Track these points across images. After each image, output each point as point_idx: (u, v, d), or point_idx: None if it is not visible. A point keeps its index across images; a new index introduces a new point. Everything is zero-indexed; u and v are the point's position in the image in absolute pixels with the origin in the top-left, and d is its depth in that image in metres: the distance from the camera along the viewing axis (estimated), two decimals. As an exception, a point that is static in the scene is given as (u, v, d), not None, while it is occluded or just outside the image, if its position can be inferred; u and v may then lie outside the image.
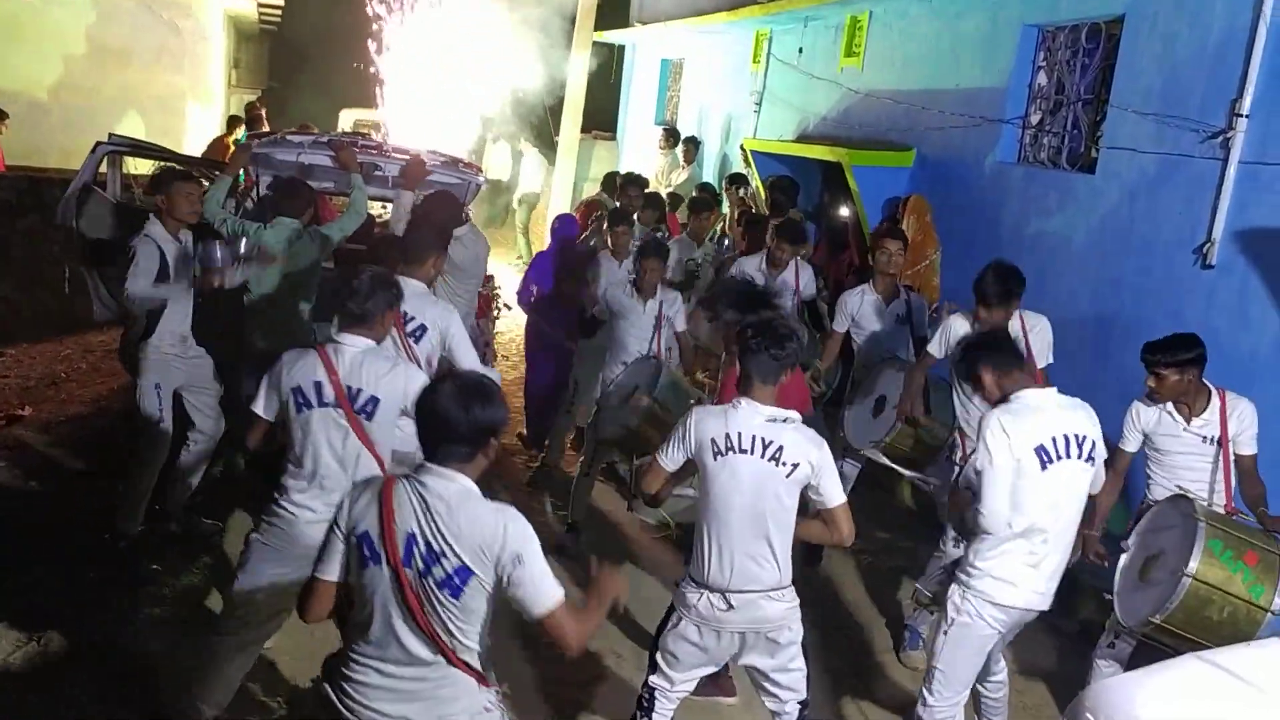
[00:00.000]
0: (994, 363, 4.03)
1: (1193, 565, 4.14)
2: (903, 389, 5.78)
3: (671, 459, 3.85)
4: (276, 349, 5.96)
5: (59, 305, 10.03)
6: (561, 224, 8.23)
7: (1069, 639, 5.52)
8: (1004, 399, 3.99)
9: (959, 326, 5.55)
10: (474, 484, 2.89)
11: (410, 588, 2.81)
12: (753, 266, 7.10)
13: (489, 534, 2.79)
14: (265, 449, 4.17)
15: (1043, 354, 5.64)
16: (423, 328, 4.92)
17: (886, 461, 5.96)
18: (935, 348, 5.66)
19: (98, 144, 6.89)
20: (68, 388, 8.30)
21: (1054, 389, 4.05)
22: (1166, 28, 6.41)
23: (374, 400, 3.92)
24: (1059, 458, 3.88)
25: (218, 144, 13.04)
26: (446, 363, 5.01)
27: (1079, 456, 3.92)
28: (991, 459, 3.84)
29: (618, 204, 8.56)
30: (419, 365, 4.82)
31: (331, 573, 2.95)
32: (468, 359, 5.01)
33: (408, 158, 6.74)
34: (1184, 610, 4.16)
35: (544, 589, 2.83)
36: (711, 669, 4.07)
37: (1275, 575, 4.23)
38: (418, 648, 2.87)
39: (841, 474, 6.24)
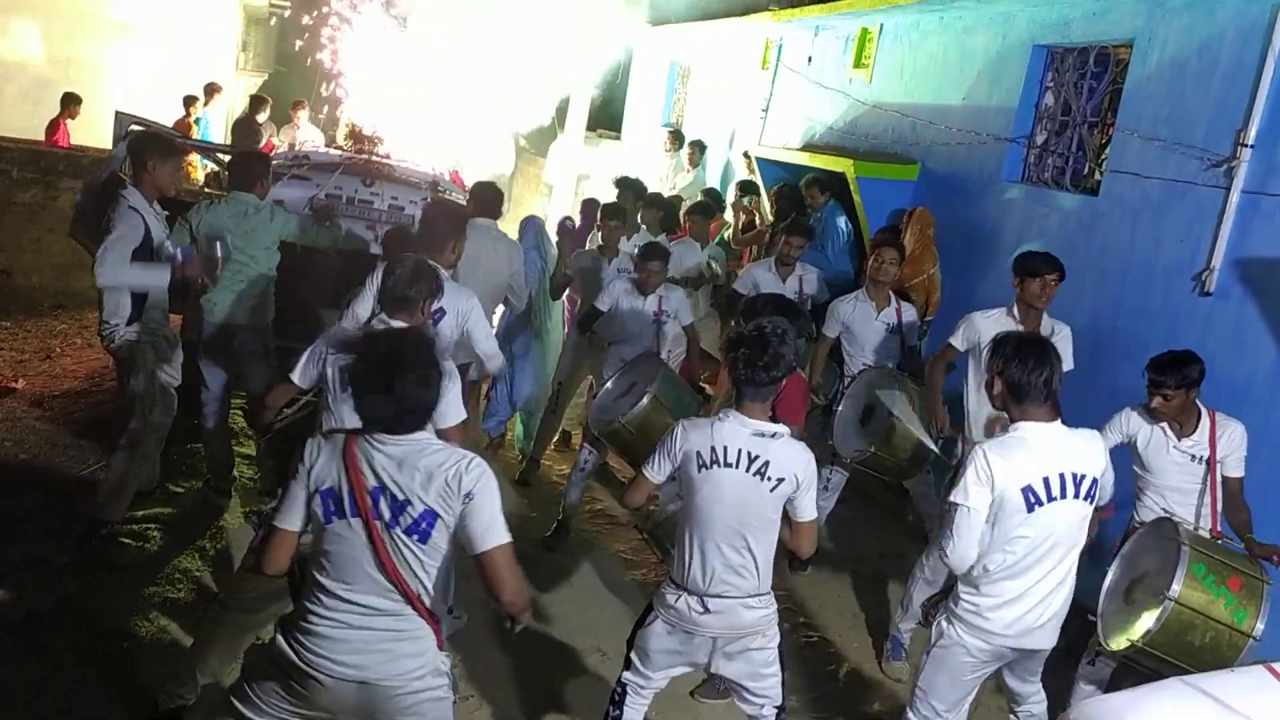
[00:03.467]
0: (1017, 385, 3.71)
1: (1175, 588, 4.15)
2: (926, 389, 5.82)
3: (658, 471, 3.83)
4: (235, 321, 6.02)
5: (55, 279, 10.06)
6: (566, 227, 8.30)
7: (1053, 657, 5.52)
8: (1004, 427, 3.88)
9: (982, 322, 5.59)
10: (429, 433, 3.00)
11: (380, 538, 2.92)
12: (763, 270, 7.14)
13: (449, 473, 2.91)
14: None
15: (1063, 359, 5.67)
16: (442, 311, 4.99)
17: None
18: (958, 340, 5.68)
19: (118, 113, 6.88)
20: (61, 362, 8.29)
21: (1058, 422, 3.77)
22: (1175, 55, 6.44)
23: None
24: (1050, 499, 3.68)
25: (180, 123, 13.00)
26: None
27: (1076, 495, 3.72)
28: (968, 497, 3.67)
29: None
30: None
31: (293, 523, 3.02)
32: (484, 343, 5.25)
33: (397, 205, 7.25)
34: (1166, 634, 4.17)
35: (492, 528, 2.94)
36: (683, 670, 4.06)
37: (1258, 600, 4.25)
38: (384, 600, 2.96)
39: (829, 483, 6.36)
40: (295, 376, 4.16)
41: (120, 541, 5.46)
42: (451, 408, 3.94)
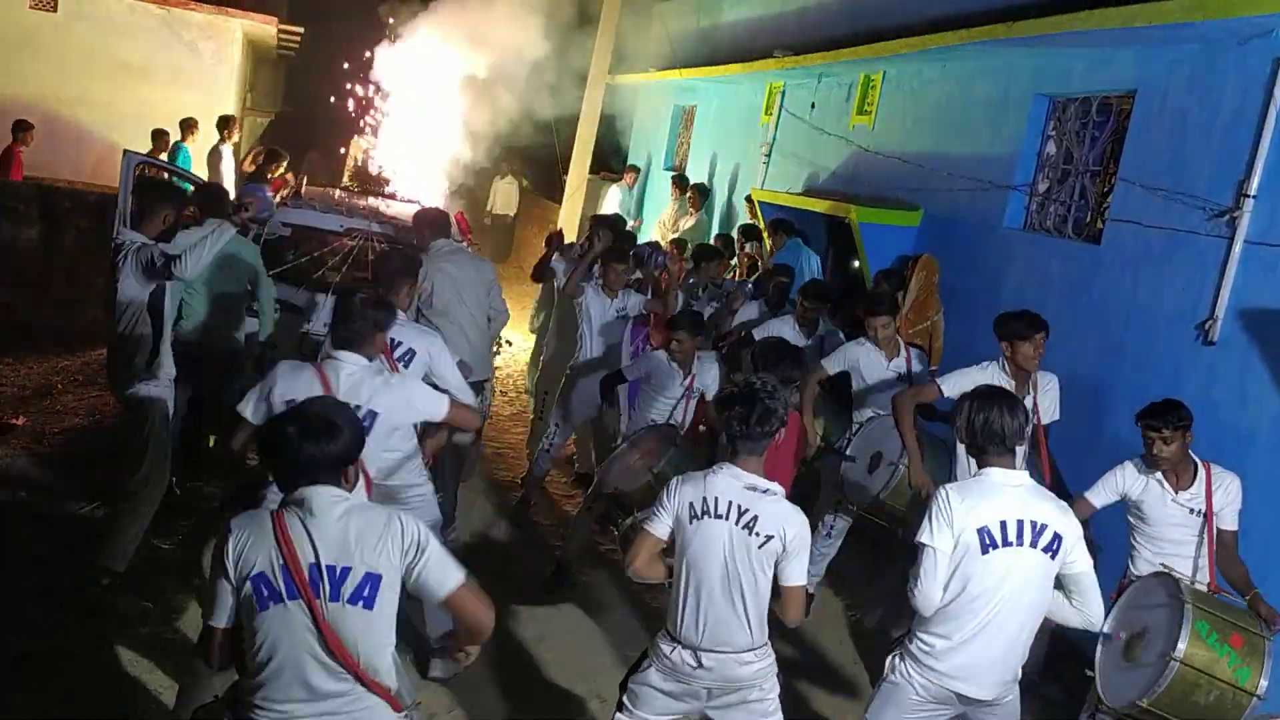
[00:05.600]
0: (976, 434, 3.78)
1: (1180, 649, 4.11)
2: (895, 419, 5.74)
3: (661, 527, 3.80)
4: (211, 350, 6.15)
5: (59, 315, 10.06)
6: None
7: (1053, 706, 5.48)
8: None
9: (979, 374, 5.54)
10: (348, 493, 2.91)
11: (323, 618, 2.77)
12: (787, 329, 7.07)
13: (385, 532, 2.84)
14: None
15: (1049, 411, 5.75)
16: (411, 352, 5.02)
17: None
18: (949, 386, 5.60)
19: (126, 151, 6.94)
20: (63, 399, 8.26)
21: (1025, 473, 3.82)
22: (1177, 105, 6.49)
23: (371, 415, 4.03)
24: (1005, 543, 3.66)
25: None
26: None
27: (1033, 545, 3.68)
28: (932, 536, 3.69)
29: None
30: None
31: (224, 619, 2.86)
32: (452, 379, 5.10)
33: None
34: (1171, 694, 4.13)
35: (448, 570, 2.89)
36: (676, 716, 4.01)
37: (1261, 658, 4.21)
38: (330, 682, 2.82)
39: (832, 529, 6.32)
40: (248, 414, 4.07)
41: (125, 590, 5.35)
42: (430, 399, 4.31)
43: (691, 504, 3.71)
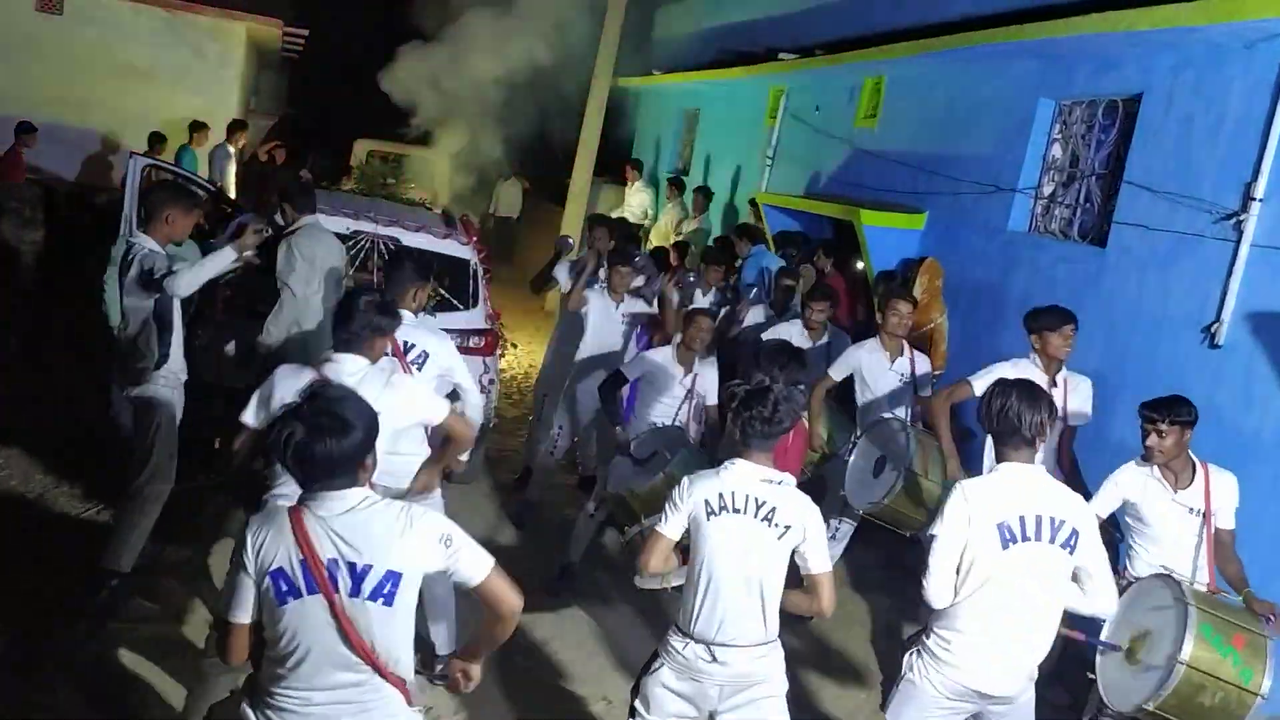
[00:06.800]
0: (999, 425, 3.75)
1: (1186, 652, 4.11)
2: (935, 426, 5.76)
3: (674, 527, 3.78)
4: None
5: (62, 317, 10.06)
6: None
7: (1059, 712, 5.46)
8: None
9: (1010, 371, 5.48)
10: (367, 489, 2.89)
11: (343, 613, 2.79)
12: (795, 333, 7.04)
13: (408, 529, 2.84)
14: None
15: (1078, 415, 5.75)
16: (425, 354, 5.00)
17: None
18: (980, 385, 5.47)
19: (132, 154, 6.93)
20: (66, 401, 8.27)
21: (1042, 468, 3.82)
22: (1183, 108, 6.49)
23: None
24: (1025, 539, 3.67)
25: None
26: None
27: (1051, 540, 3.69)
28: (945, 527, 3.71)
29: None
30: None
31: (245, 615, 2.88)
32: (466, 379, 5.14)
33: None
34: (1177, 696, 4.12)
35: (479, 557, 2.91)
36: (689, 717, 4.00)
37: (1263, 658, 4.22)
38: (349, 674, 2.86)
39: (837, 532, 6.32)
40: (248, 419, 4.04)
41: (131, 593, 5.32)
42: (430, 401, 4.27)
43: (707, 500, 3.70)
